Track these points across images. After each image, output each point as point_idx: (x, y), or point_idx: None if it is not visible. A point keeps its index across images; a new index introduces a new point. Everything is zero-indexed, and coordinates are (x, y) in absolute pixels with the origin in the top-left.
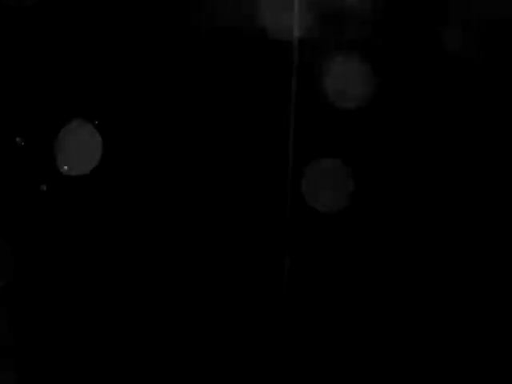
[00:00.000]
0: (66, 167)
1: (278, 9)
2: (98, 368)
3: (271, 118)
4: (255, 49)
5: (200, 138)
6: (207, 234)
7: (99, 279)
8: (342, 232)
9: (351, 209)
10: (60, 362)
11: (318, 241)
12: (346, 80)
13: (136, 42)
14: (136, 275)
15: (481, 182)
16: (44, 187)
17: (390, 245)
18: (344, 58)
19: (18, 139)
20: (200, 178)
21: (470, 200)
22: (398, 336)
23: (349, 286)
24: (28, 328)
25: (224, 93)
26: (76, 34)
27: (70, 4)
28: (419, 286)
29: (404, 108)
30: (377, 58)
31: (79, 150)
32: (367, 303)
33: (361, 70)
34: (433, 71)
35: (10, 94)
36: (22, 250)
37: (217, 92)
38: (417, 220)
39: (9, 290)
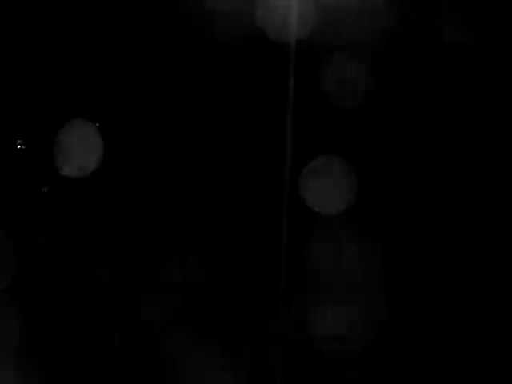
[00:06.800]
0: (66, 169)
1: (278, 9)
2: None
3: (269, 118)
4: (254, 49)
5: (198, 137)
6: (206, 235)
7: (100, 277)
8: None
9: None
10: (60, 361)
11: (317, 241)
12: (344, 80)
13: (136, 42)
14: (136, 275)
15: (481, 181)
16: (45, 189)
17: (390, 244)
18: (342, 58)
19: (19, 142)
20: (199, 179)
21: (469, 201)
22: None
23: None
24: (29, 327)
25: (223, 92)
26: (74, 35)
27: (67, 8)
28: (427, 284)
29: (402, 107)
30: (375, 58)
31: (79, 152)
32: (365, 301)
33: (359, 70)
34: (431, 71)
35: (11, 98)
36: (24, 250)
37: (215, 92)
38: (417, 219)
39: (11, 289)
